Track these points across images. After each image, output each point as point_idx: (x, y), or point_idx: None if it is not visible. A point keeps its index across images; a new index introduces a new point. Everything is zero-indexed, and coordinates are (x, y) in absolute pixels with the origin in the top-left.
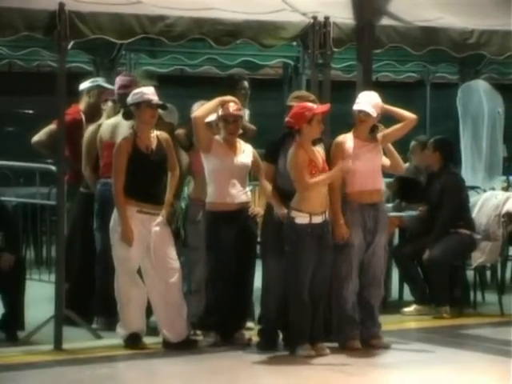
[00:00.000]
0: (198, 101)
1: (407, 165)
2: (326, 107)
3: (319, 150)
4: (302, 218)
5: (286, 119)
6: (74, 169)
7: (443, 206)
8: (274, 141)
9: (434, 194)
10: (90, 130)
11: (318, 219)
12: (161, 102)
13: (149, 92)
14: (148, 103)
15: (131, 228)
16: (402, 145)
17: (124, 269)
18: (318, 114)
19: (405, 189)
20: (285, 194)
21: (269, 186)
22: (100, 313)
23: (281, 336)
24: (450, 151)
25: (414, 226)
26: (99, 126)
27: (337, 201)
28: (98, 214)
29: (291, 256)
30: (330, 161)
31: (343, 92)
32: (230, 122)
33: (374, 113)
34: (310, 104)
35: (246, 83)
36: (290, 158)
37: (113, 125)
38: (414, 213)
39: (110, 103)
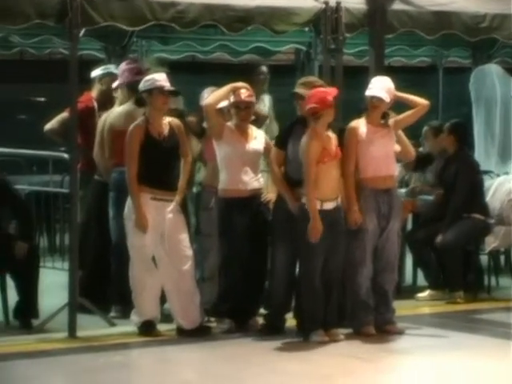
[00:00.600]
0: (208, 87)
1: (420, 150)
2: (335, 90)
3: (332, 136)
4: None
5: (311, 105)
6: (86, 156)
7: (456, 189)
8: (284, 127)
9: (448, 177)
10: (103, 118)
11: (329, 205)
12: (173, 88)
13: (160, 78)
14: (160, 90)
15: (145, 215)
16: (414, 130)
17: (139, 256)
18: (335, 98)
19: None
20: (293, 180)
21: (279, 176)
22: (116, 301)
23: (287, 321)
24: (464, 134)
25: (428, 211)
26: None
27: (350, 186)
28: (114, 202)
29: (303, 243)
30: (341, 146)
31: (356, 77)
32: (242, 108)
33: (386, 98)
34: (322, 88)
35: (264, 68)
36: (302, 147)
37: (125, 112)
38: (427, 198)
39: (120, 90)
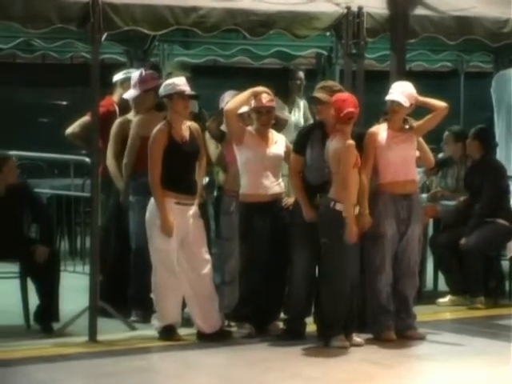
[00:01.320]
0: (228, 91)
1: (441, 155)
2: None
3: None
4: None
5: (350, 110)
6: None
7: (483, 193)
8: (302, 132)
9: (474, 182)
10: (117, 122)
11: (356, 210)
12: (193, 93)
13: (180, 83)
14: (180, 94)
15: (171, 219)
16: (435, 135)
17: (163, 261)
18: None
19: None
20: (312, 185)
21: (298, 184)
22: (137, 305)
23: (307, 326)
24: (489, 139)
25: (449, 216)
26: (127, 119)
27: (365, 191)
28: (135, 206)
29: (333, 249)
30: (360, 151)
31: (377, 82)
32: (263, 113)
33: (406, 103)
34: (346, 93)
35: (301, 74)
36: (340, 152)
37: (148, 119)
38: (449, 203)
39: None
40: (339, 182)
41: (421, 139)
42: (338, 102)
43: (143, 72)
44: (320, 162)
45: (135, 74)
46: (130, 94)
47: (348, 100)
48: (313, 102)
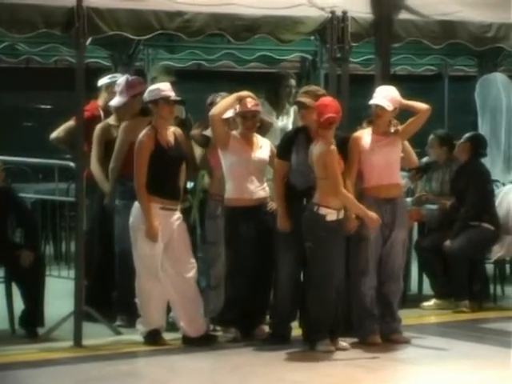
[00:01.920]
0: (212, 93)
1: (425, 159)
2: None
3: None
4: (331, 215)
5: (330, 115)
6: None
7: (468, 196)
8: (286, 137)
9: (460, 185)
10: (98, 127)
11: (341, 214)
12: (178, 98)
13: (165, 88)
14: (165, 99)
15: (156, 224)
16: (420, 139)
17: (147, 266)
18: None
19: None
20: (297, 191)
21: (280, 192)
22: (121, 310)
23: (293, 331)
24: (480, 145)
25: (434, 220)
26: (108, 123)
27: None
28: (120, 211)
29: (317, 253)
30: (343, 155)
31: (362, 86)
32: (248, 117)
33: (389, 107)
34: (329, 98)
35: (292, 81)
36: (319, 156)
37: (135, 125)
38: (434, 207)
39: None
40: (323, 186)
41: (405, 141)
42: (321, 106)
43: (129, 77)
44: (305, 167)
45: (120, 80)
46: (117, 101)
47: (330, 105)
48: (297, 106)
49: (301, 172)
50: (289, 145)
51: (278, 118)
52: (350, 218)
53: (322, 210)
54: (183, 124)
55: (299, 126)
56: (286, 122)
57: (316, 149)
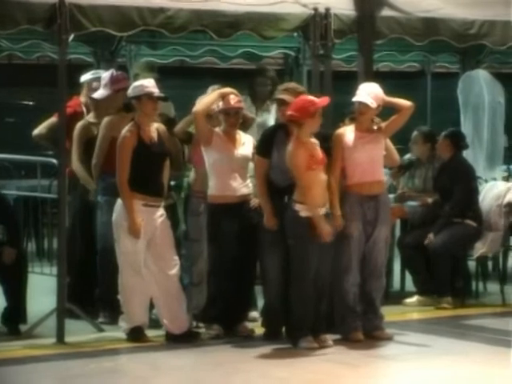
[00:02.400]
0: (201, 94)
1: (408, 156)
2: (326, 100)
3: (316, 142)
4: (306, 211)
5: (290, 113)
6: None
7: (454, 194)
8: (265, 135)
9: (443, 182)
10: (78, 125)
11: (321, 211)
12: (162, 95)
13: (149, 85)
14: (149, 96)
15: (139, 221)
16: (402, 135)
17: (129, 262)
18: (320, 108)
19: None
20: (278, 187)
21: (263, 189)
22: (104, 307)
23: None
24: (460, 141)
25: (417, 217)
26: (88, 121)
27: (334, 192)
28: (103, 207)
29: (296, 250)
30: (326, 152)
31: (345, 82)
32: (231, 114)
33: (373, 104)
34: (311, 97)
35: (270, 75)
36: (289, 156)
37: (117, 120)
38: (416, 203)
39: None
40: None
41: (387, 139)
42: (292, 104)
43: (114, 72)
44: (285, 164)
45: (106, 74)
46: (100, 93)
47: (296, 103)
48: (276, 103)
49: (281, 169)
50: (268, 142)
51: (257, 113)
52: (336, 216)
53: (298, 207)
54: (169, 122)
55: (279, 123)
56: (266, 118)
57: (288, 147)
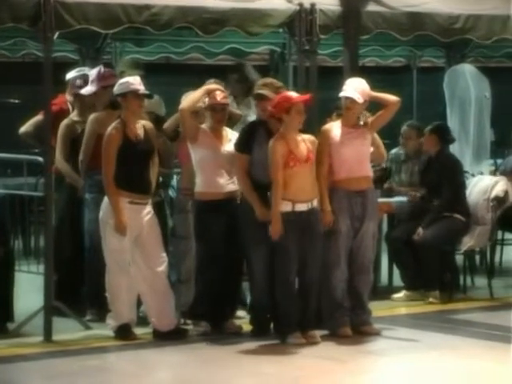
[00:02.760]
0: (187, 90)
1: (395, 150)
2: (304, 97)
3: (307, 139)
4: (284, 206)
5: (269, 108)
6: None
7: (443, 188)
8: (245, 131)
9: (431, 177)
10: (63, 124)
11: (301, 207)
12: (147, 92)
13: (135, 82)
14: (134, 93)
15: (125, 219)
16: (389, 130)
17: (116, 260)
18: (297, 104)
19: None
20: (261, 183)
21: (248, 184)
22: (91, 304)
23: (272, 323)
24: (446, 135)
25: (404, 212)
26: (72, 119)
27: (323, 188)
28: (90, 205)
29: (277, 246)
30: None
31: (330, 77)
32: (217, 110)
33: (359, 99)
34: (291, 93)
35: (247, 71)
36: (268, 152)
37: (104, 117)
38: (402, 198)
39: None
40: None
41: (375, 134)
42: (272, 100)
43: (102, 69)
44: (267, 160)
45: (94, 70)
46: (87, 89)
47: (275, 99)
48: (255, 98)
49: (262, 165)
50: (247, 138)
51: (238, 109)
52: (326, 211)
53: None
54: (158, 120)
55: (259, 119)
56: (246, 113)
57: (269, 143)
